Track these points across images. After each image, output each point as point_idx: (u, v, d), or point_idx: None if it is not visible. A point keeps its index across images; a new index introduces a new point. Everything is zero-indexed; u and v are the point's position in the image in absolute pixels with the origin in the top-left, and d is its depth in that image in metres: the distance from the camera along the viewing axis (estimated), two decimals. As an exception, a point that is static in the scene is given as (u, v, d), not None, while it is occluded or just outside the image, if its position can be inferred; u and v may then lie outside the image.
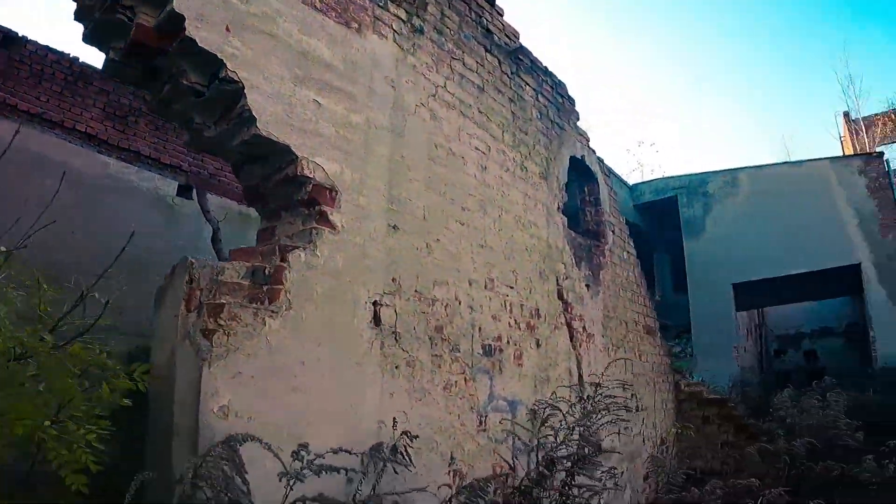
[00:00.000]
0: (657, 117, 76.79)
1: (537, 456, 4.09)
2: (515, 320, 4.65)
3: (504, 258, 4.70)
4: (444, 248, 4.13)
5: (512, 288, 4.69)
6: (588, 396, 4.12)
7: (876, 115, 26.69)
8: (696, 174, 20.09)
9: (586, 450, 3.58)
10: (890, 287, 16.73)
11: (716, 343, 17.61)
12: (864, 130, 25.96)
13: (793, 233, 17.72)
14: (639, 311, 6.94)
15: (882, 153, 18.91)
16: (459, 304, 4.13)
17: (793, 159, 25.32)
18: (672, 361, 7.96)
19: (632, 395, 6.47)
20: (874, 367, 16.27)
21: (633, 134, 78.87)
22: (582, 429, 3.87)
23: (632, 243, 7.09)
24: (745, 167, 19.79)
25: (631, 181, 21.90)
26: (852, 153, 24.05)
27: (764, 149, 78.88)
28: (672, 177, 21.21)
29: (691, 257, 19.05)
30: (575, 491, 3.72)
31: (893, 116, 25.88)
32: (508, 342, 4.52)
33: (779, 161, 24.45)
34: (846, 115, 28.00)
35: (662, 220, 20.44)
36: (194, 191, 9.08)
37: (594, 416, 3.97)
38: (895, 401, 13.17)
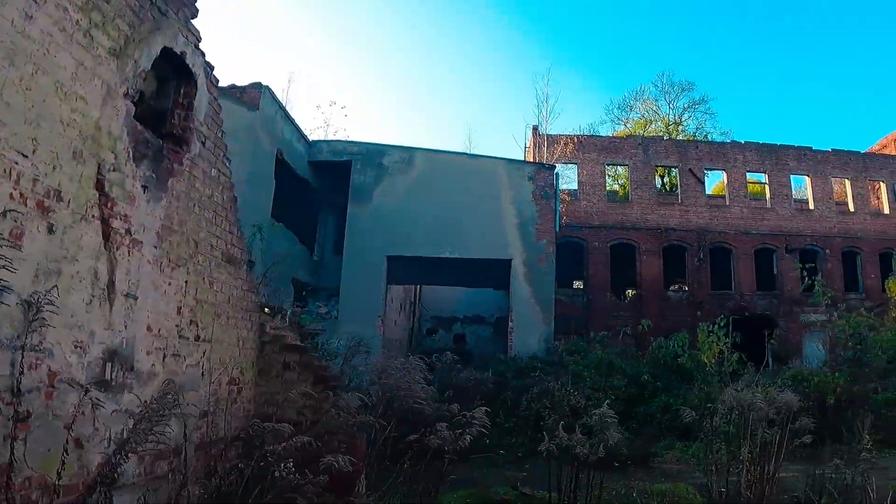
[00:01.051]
0: (359, 84, 78.96)
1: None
2: (22, 194, 3.95)
3: (25, 122, 3.93)
4: (-64, 86, 3.32)
5: (27, 157, 3.95)
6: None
7: (562, 135, 30.15)
8: (375, 144, 20.24)
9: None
10: (534, 286, 18.65)
11: (362, 310, 17.79)
12: (546, 145, 29.04)
13: (456, 219, 18.66)
14: (220, 236, 6.51)
15: (554, 167, 20.95)
16: (-63, 152, 3.37)
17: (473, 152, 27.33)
18: (257, 297, 7.70)
19: (190, 321, 6.14)
20: (509, 355, 18.14)
21: (328, 93, 79.79)
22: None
23: (228, 164, 6.67)
24: (424, 148, 20.28)
25: (313, 138, 21.55)
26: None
27: (452, 139, 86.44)
28: (351, 141, 21.13)
29: (353, 223, 19.07)
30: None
31: (575, 140, 29.52)
32: (6, 215, 3.85)
33: (458, 151, 26.16)
34: (535, 128, 31.17)
35: (335, 182, 20.18)
36: None
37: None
38: (519, 383, 15.31)
